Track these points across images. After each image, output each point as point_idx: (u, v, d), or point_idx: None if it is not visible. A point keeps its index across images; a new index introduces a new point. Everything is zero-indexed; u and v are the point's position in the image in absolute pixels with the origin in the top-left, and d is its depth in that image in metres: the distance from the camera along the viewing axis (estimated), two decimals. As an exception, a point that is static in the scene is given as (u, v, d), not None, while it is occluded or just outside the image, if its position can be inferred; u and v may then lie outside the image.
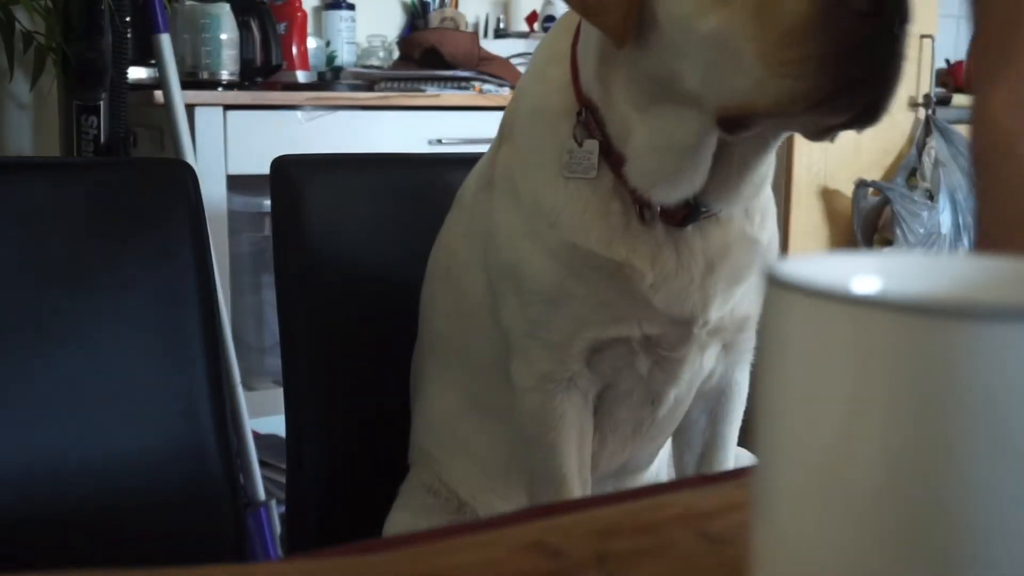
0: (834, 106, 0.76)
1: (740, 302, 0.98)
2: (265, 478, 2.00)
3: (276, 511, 1.95)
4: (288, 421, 1.18)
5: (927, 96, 2.87)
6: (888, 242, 2.71)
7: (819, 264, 0.36)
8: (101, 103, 2.03)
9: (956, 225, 2.70)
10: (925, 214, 2.67)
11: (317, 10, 2.76)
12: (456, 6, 2.92)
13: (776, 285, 0.33)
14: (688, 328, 0.94)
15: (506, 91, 2.36)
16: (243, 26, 2.24)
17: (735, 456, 1.12)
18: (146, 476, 1.04)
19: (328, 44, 2.73)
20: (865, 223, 2.72)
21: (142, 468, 1.03)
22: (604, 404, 1.01)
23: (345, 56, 2.72)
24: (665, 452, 1.18)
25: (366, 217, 1.22)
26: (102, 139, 2.04)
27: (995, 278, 0.37)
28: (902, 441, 0.30)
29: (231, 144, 2.12)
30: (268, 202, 1.20)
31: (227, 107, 2.12)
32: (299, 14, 2.54)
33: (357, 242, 1.21)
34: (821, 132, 0.82)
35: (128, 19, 2.02)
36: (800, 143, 2.58)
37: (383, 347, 1.21)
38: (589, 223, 0.91)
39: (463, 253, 1.04)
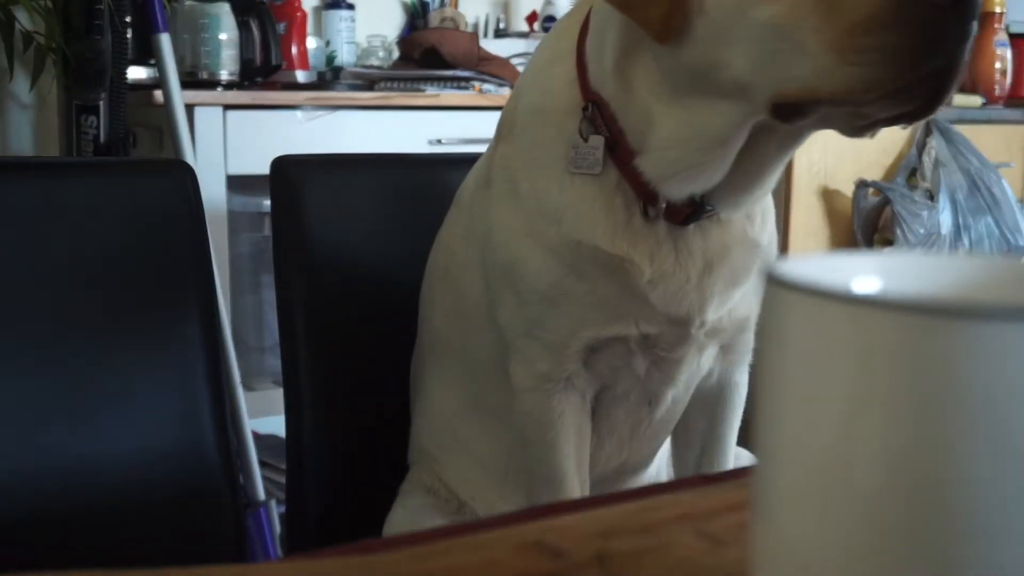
0: (904, 96, 0.76)
1: (739, 303, 0.98)
2: (265, 478, 2.00)
3: (276, 511, 1.95)
4: (288, 421, 1.18)
5: (927, 96, 2.86)
6: (888, 242, 2.71)
7: (819, 264, 0.36)
8: (101, 103, 2.03)
9: (956, 225, 2.70)
10: (925, 214, 2.67)
11: (317, 10, 2.76)
12: (456, 6, 2.92)
13: (776, 285, 0.33)
14: (685, 328, 0.94)
15: (506, 91, 2.36)
16: (243, 26, 2.24)
17: (735, 456, 1.12)
18: (146, 476, 1.04)
19: (328, 44, 2.73)
20: (865, 223, 2.72)
21: (142, 468, 1.03)
22: (602, 405, 1.01)
23: (345, 56, 2.72)
24: (664, 453, 1.18)
25: (366, 217, 1.22)
26: (102, 139, 2.03)
27: (995, 278, 0.37)
28: (902, 441, 0.30)
29: (231, 144, 2.11)
30: (268, 202, 1.19)
31: (227, 107, 2.12)
32: (299, 14, 2.54)
33: (357, 242, 1.21)
34: (867, 127, 0.82)
35: (128, 19, 2.02)
36: (800, 143, 2.56)
37: (383, 347, 1.21)
38: (594, 219, 0.91)
39: (461, 253, 1.04)
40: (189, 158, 1.92)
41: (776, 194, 1.04)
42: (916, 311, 0.29)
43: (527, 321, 0.95)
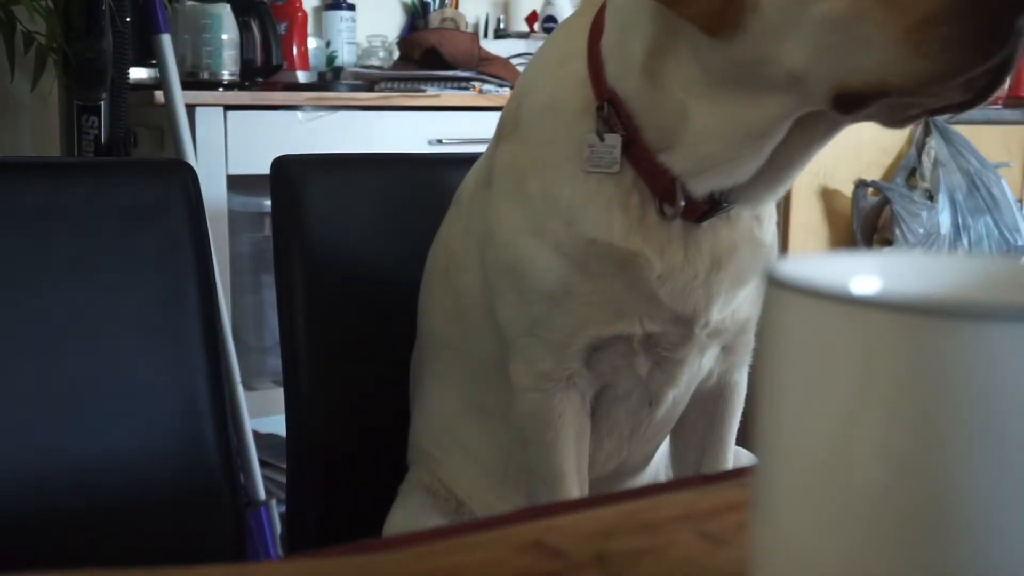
0: (965, 86, 0.78)
1: (742, 304, 0.98)
2: (265, 478, 2.00)
3: (276, 511, 1.95)
4: (288, 421, 1.18)
5: (927, 96, 2.86)
6: (887, 242, 2.71)
7: (819, 264, 0.36)
8: (102, 103, 2.03)
9: (955, 225, 2.70)
10: (925, 214, 2.67)
11: (317, 10, 2.76)
12: (456, 6, 2.92)
13: (776, 285, 0.33)
14: (689, 327, 0.95)
15: (506, 91, 2.36)
16: (243, 26, 2.24)
17: (735, 456, 1.12)
18: (146, 475, 1.04)
19: (328, 44, 2.73)
20: (865, 223, 2.72)
21: (142, 468, 1.03)
22: (602, 405, 1.01)
23: (345, 56, 2.72)
24: (663, 453, 1.18)
25: (366, 217, 1.22)
26: (102, 139, 2.03)
27: (995, 278, 0.37)
28: (902, 441, 0.30)
29: (231, 144, 2.12)
30: (268, 202, 1.19)
31: (227, 107, 2.12)
32: (299, 14, 2.54)
33: (357, 242, 1.21)
34: (911, 118, 0.84)
35: (128, 19, 2.02)
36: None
37: (383, 347, 1.21)
38: (609, 216, 0.91)
39: (461, 253, 1.04)
40: (190, 158, 1.92)
41: (776, 194, 1.04)
42: (916, 311, 0.29)
43: (529, 320, 0.95)
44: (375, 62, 2.73)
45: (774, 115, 0.84)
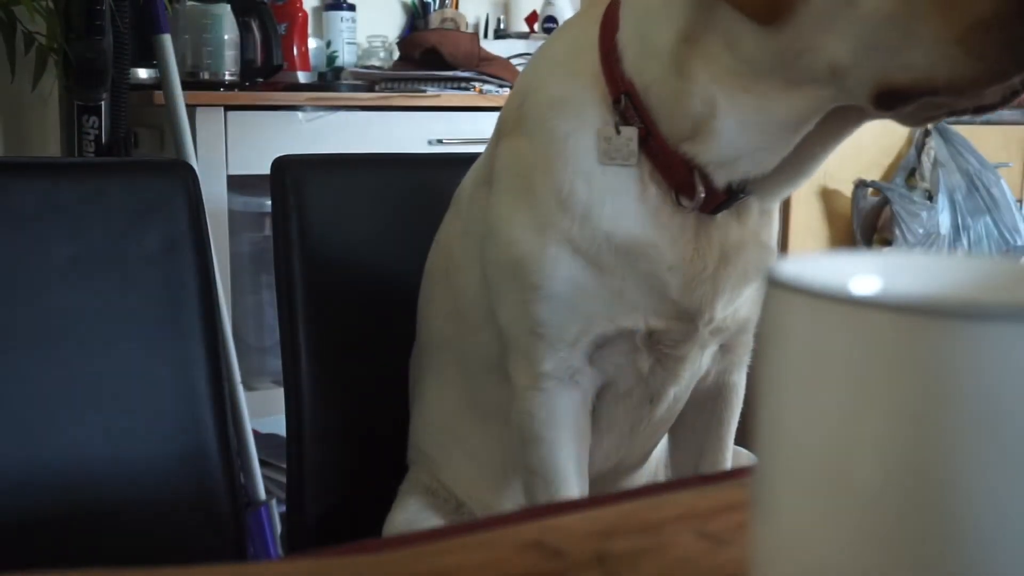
0: (1010, 84, 0.79)
1: (744, 303, 0.98)
2: (265, 478, 2.00)
3: (276, 511, 1.95)
4: (288, 421, 1.18)
5: (927, 96, 2.86)
6: (887, 242, 2.71)
7: (819, 264, 0.36)
8: (102, 103, 2.03)
9: (955, 225, 2.70)
10: (924, 214, 2.67)
11: (317, 10, 2.76)
12: (456, 6, 2.92)
13: (776, 285, 0.33)
14: (693, 323, 0.95)
15: (506, 91, 2.36)
16: (244, 26, 2.24)
17: (734, 456, 1.12)
18: (146, 475, 1.04)
19: (328, 44, 2.73)
20: (865, 223, 2.72)
21: (142, 467, 1.03)
22: (602, 403, 1.01)
23: (345, 56, 2.72)
24: (661, 454, 1.18)
25: (366, 217, 1.22)
26: (103, 139, 2.04)
27: (995, 278, 0.37)
28: (902, 441, 0.30)
29: (231, 144, 2.12)
30: (268, 202, 1.20)
31: (228, 107, 2.12)
32: (300, 14, 2.54)
33: (357, 242, 1.21)
34: (936, 116, 0.85)
35: (129, 19, 2.02)
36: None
37: (383, 347, 1.21)
38: (626, 209, 0.92)
39: (460, 252, 1.04)
40: (190, 158, 1.92)
41: (776, 194, 1.04)
42: (916, 311, 0.29)
43: (532, 319, 0.95)
44: (375, 62, 2.73)
45: (809, 108, 0.85)
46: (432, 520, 1.10)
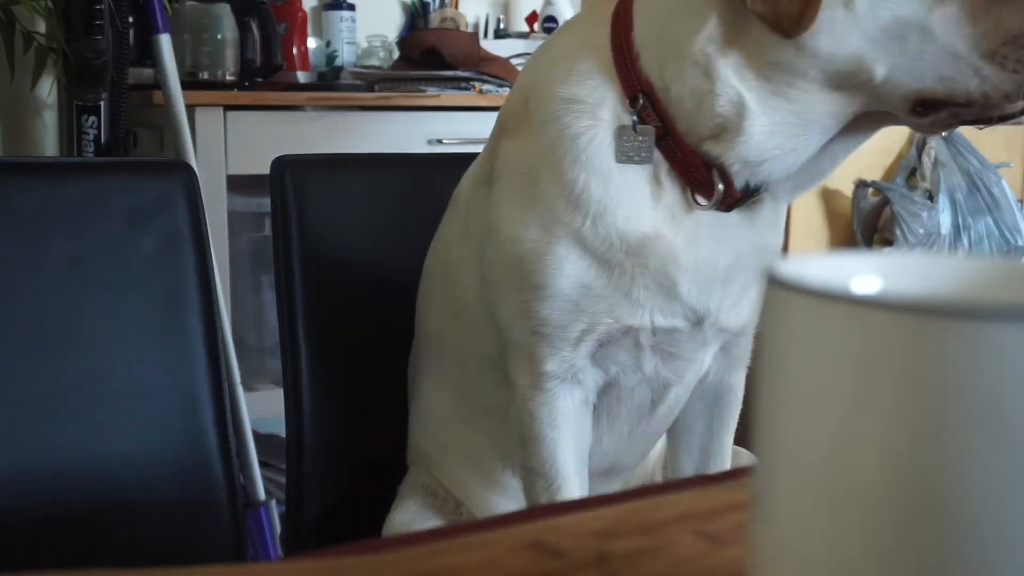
0: None
1: (747, 305, 0.98)
2: (265, 478, 2.00)
3: (276, 511, 1.95)
4: (288, 421, 1.18)
5: (927, 96, 2.86)
6: (888, 242, 2.71)
7: (819, 264, 0.36)
8: (101, 103, 2.03)
9: (956, 225, 2.70)
10: (925, 214, 2.67)
11: (317, 10, 2.76)
12: (456, 6, 2.92)
13: (777, 285, 0.33)
14: (699, 322, 0.95)
15: (506, 91, 2.36)
16: (243, 26, 2.24)
17: (734, 456, 1.12)
18: (146, 476, 1.04)
19: (328, 44, 2.73)
20: (865, 223, 2.72)
21: (142, 468, 1.03)
22: (603, 402, 1.01)
23: (345, 56, 2.72)
24: (658, 454, 1.18)
25: (366, 217, 1.22)
26: (102, 139, 2.04)
27: (995, 278, 0.37)
28: (902, 441, 0.30)
29: (231, 144, 2.12)
30: (268, 202, 1.20)
31: (227, 107, 2.12)
32: (299, 14, 2.54)
33: (357, 242, 1.21)
34: (954, 125, 0.90)
35: (128, 19, 2.02)
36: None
37: (383, 347, 1.21)
38: (641, 207, 0.92)
39: (458, 253, 1.04)
40: (189, 158, 1.92)
41: (776, 194, 1.04)
42: (916, 311, 0.29)
43: (534, 318, 0.95)
44: (375, 62, 2.73)
45: (840, 112, 0.88)
46: (432, 520, 1.10)
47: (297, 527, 1.19)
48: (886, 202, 2.70)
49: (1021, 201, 2.82)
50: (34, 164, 1.19)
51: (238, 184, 2.17)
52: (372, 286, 1.21)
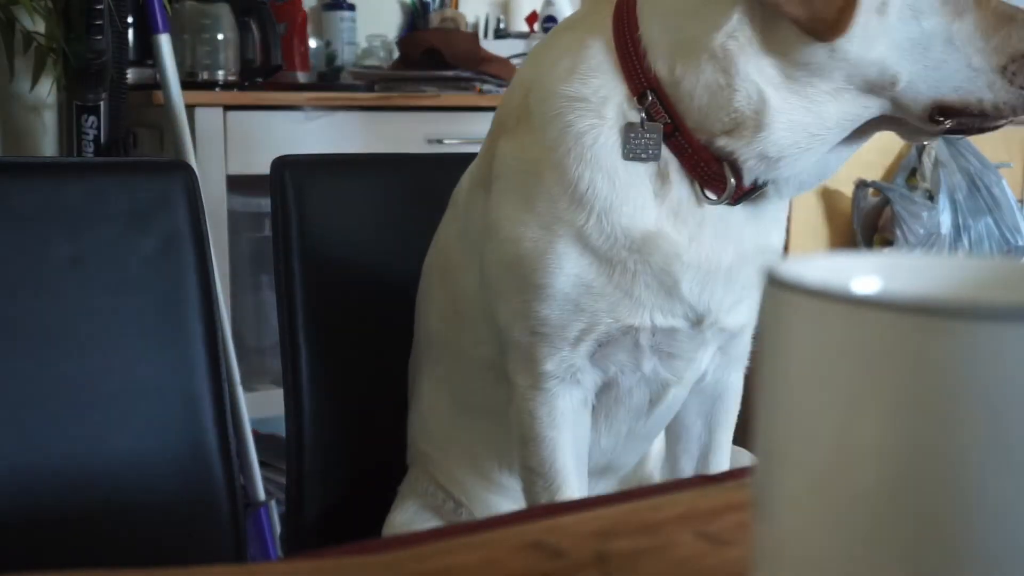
0: None
1: (746, 306, 0.98)
2: (265, 478, 2.00)
3: (276, 511, 1.95)
4: (288, 421, 1.18)
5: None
6: (888, 242, 2.71)
7: (819, 264, 0.36)
8: (101, 103, 2.03)
9: (956, 225, 2.69)
10: (925, 214, 2.67)
11: (317, 10, 2.76)
12: (456, 6, 2.92)
13: (776, 285, 0.33)
14: (698, 322, 0.95)
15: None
16: (243, 26, 2.24)
17: (734, 456, 1.12)
18: (146, 476, 1.04)
19: (328, 44, 2.73)
20: (865, 223, 2.72)
21: (142, 468, 1.03)
22: (602, 402, 1.01)
23: (345, 56, 2.72)
24: (657, 455, 1.18)
25: (366, 217, 1.22)
26: (102, 139, 2.04)
27: (995, 278, 0.37)
28: (902, 441, 0.30)
29: (231, 144, 2.11)
30: (268, 202, 1.20)
31: (227, 107, 2.12)
32: (299, 14, 2.54)
33: (357, 242, 1.21)
34: (939, 133, 0.93)
35: (128, 19, 2.02)
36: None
37: (383, 347, 1.21)
38: (648, 205, 0.92)
39: (457, 253, 1.04)
40: (189, 158, 1.92)
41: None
42: (916, 311, 0.29)
43: (534, 318, 0.94)
44: (375, 62, 2.73)
45: (857, 115, 0.90)
46: (431, 520, 1.10)
47: (297, 527, 1.19)
48: (886, 202, 2.70)
49: (1021, 201, 2.82)
50: (34, 164, 1.19)
51: (238, 184, 2.17)
52: (372, 286, 1.21)
